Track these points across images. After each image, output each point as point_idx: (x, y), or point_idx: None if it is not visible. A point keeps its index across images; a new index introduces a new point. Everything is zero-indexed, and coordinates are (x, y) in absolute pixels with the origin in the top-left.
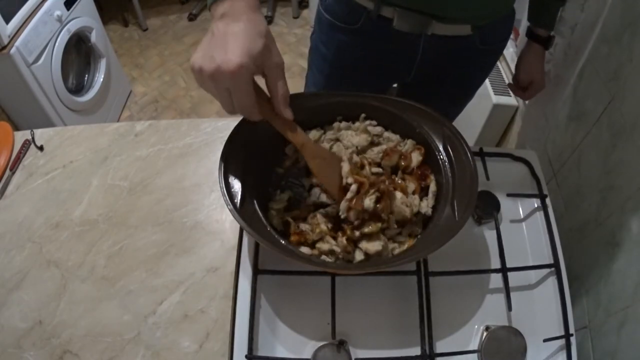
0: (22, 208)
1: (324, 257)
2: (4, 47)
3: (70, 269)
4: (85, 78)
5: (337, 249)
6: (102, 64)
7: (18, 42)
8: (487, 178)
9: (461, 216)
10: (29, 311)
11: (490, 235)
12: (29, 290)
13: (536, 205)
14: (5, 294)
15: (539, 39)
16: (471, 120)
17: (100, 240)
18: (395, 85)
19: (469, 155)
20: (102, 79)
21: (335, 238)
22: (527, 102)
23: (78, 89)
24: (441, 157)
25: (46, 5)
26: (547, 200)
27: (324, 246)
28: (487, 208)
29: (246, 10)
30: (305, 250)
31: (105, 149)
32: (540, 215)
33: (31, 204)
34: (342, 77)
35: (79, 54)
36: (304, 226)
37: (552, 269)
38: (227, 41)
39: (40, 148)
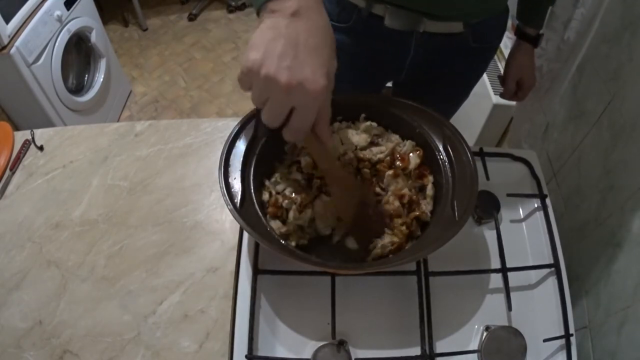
0: (22, 208)
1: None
2: (4, 47)
3: (70, 269)
4: (85, 78)
5: (301, 222)
6: (102, 64)
7: (18, 42)
8: (487, 178)
9: (461, 216)
10: (29, 311)
11: (490, 235)
12: (29, 290)
13: (536, 205)
14: (5, 294)
15: (528, 37)
16: (471, 120)
17: (100, 240)
18: (390, 84)
19: (469, 155)
20: (102, 79)
21: (300, 212)
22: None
23: (78, 89)
24: (441, 157)
25: (46, 5)
26: (547, 200)
27: (289, 224)
28: (487, 208)
29: (320, 10)
30: (276, 225)
31: (105, 149)
32: (540, 215)
33: (31, 204)
34: (336, 76)
35: (79, 54)
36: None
37: (552, 269)
38: (310, 54)
39: (40, 148)
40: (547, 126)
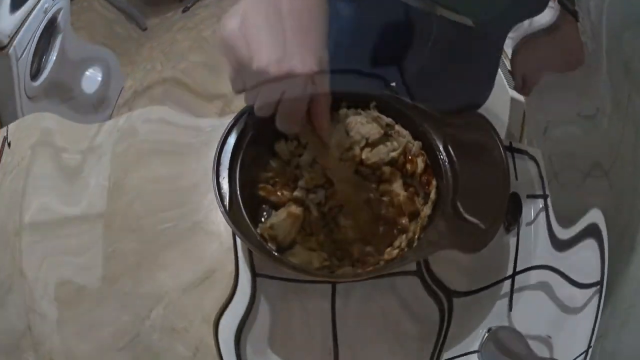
0: None
1: None
2: (4, 47)
3: None
4: (83, 76)
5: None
6: (97, 61)
7: (16, 41)
8: (517, 178)
9: (491, 225)
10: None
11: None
12: None
13: (541, 206)
14: (4, 294)
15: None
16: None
17: (96, 242)
18: (394, 84)
19: (501, 150)
20: (100, 78)
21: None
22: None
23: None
24: (441, 157)
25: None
26: (548, 201)
27: None
28: (514, 212)
29: None
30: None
31: (97, 147)
32: (542, 215)
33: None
34: (343, 52)
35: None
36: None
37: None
38: (307, 33)
39: (9, 145)
40: (548, 126)
